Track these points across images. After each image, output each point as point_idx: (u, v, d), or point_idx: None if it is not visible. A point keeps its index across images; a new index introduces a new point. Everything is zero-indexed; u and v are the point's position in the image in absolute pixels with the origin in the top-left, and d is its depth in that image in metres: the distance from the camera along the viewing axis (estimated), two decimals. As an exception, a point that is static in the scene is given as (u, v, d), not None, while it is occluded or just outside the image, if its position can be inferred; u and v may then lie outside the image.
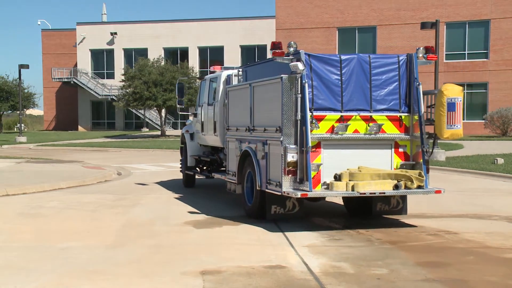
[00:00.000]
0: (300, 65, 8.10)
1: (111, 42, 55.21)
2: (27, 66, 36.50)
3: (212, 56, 53.15)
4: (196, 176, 13.48)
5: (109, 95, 52.94)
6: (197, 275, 6.08)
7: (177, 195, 12.15)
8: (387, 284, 5.82)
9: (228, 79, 11.27)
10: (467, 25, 39.96)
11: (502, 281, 5.97)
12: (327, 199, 11.07)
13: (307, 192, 7.98)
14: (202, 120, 12.52)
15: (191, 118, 13.87)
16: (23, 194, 12.19)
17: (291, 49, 8.40)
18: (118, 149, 29.02)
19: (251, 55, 52.24)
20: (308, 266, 6.45)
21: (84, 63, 56.18)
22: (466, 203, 11.11)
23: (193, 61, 50.86)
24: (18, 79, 40.69)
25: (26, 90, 52.86)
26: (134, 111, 50.23)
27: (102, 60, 56.54)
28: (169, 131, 47.64)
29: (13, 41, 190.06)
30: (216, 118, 11.52)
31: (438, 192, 8.54)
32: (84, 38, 55.72)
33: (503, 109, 33.94)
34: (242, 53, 52.53)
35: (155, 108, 41.90)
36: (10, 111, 57.71)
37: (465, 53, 40.30)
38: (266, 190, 8.74)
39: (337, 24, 42.11)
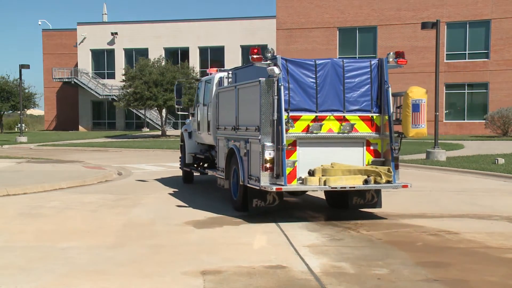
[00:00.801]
0: (276, 69, 8.73)
1: (111, 42, 55.23)
2: (27, 66, 36.48)
3: (213, 56, 53.17)
4: (195, 173, 13.99)
5: (110, 95, 52.97)
6: (197, 275, 6.09)
7: (177, 195, 12.16)
8: (387, 284, 5.82)
9: (220, 81, 11.99)
10: (467, 25, 39.93)
11: (502, 281, 5.97)
12: (314, 194, 11.74)
13: (282, 186, 8.65)
14: (198, 119, 13.15)
15: (191, 117, 14.30)
16: (24, 194, 12.20)
17: (269, 54, 9.02)
18: (119, 149, 29.03)
19: (252, 55, 52.16)
20: (309, 266, 6.45)
21: (85, 63, 56.21)
22: (466, 203, 11.10)
23: (194, 61, 50.87)
24: (18, 79, 40.67)
25: (26, 90, 52.85)
26: (134, 111, 50.26)
27: (102, 60, 56.56)
28: (170, 131, 47.65)
29: (14, 41, 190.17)
30: (210, 117, 12.10)
31: (405, 186, 9.15)
32: (84, 38, 55.75)
33: (504, 109, 33.92)
34: (243, 53, 52.51)
35: (156, 108, 41.90)
36: (10, 111, 57.69)
37: (465, 53, 40.27)
38: (248, 185, 9.33)
39: (338, 24, 42.10)
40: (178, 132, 41.39)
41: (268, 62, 8.97)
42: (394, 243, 7.66)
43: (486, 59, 39.66)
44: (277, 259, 6.76)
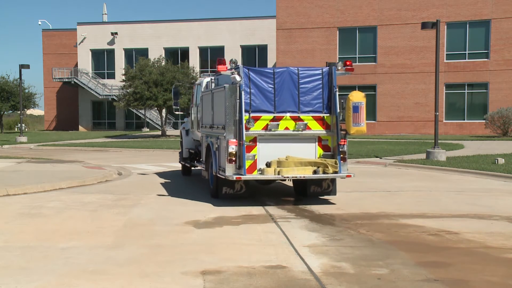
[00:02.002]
0: (237, 77, 10.21)
1: (111, 42, 55.25)
2: (27, 66, 36.46)
3: (213, 56, 53.14)
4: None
5: (110, 95, 52.99)
6: (197, 275, 6.09)
7: (177, 195, 12.16)
8: (387, 284, 5.82)
9: (208, 85, 13.49)
10: (467, 25, 39.94)
11: (503, 281, 5.97)
12: (287, 184, 13.41)
13: (241, 176, 10.08)
14: (192, 118, 14.69)
15: (189, 116, 15.72)
16: (24, 194, 12.21)
17: (233, 64, 10.46)
18: (119, 149, 29.01)
19: (252, 55, 52.25)
20: (309, 266, 6.45)
21: (85, 63, 56.23)
22: (466, 203, 11.10)
23: (194, 61, 50.90)
24: (18, 79, 40.70)
25: (26, 90, 52.83)
26: (134, 111, 50.28)
27: (102, 60, 56.57)
28: (170, 131, 47.66)
29: (14, 41, 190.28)
30: (199, 117, 13.47)
31: (349, 176, 10.47)
32: (84, 38, 55.76)
33: (504, 109, 33.92)
34: (243, 53, 52.54)
35: (156, 108, 41.89)
36: (10, 111, 57.65)
37: (465, 53, 40.28)
38: (218, 175, 10.79)
39: (338, 24, 42.11)
40: (178, 132, 41.40)
41: (232, 70, 10.35)
42: (394, 243, 7.66)
43: (486, 59, 39.67)
44: (277, 259, 6.76)
